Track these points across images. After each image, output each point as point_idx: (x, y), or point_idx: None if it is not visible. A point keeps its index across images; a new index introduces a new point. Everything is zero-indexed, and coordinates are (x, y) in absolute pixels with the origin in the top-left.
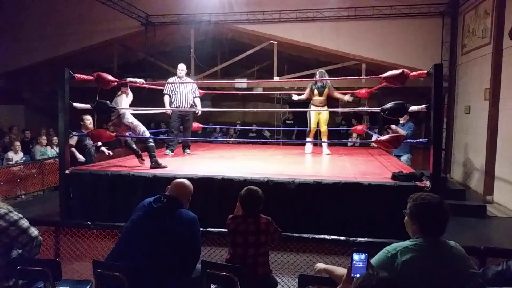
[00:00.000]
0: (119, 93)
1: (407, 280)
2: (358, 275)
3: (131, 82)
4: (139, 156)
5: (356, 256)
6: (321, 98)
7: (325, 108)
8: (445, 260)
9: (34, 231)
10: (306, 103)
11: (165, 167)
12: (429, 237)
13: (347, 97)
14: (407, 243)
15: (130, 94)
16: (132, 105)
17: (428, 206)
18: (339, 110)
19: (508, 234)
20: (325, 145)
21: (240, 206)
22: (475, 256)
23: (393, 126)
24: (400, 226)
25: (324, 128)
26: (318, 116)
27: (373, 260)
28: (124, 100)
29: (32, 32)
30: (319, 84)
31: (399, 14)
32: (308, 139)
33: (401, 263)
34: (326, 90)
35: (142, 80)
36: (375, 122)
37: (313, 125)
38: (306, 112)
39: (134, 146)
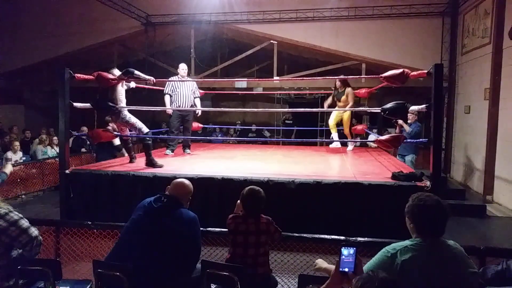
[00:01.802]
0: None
1: (407, 280)
2: (346, 269)
3: (136, 77)
4: (131, 160)
5: (345, 251)
6: (340, 104)
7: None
8: (444, 260)
9: (34, 231)
10: (306, 103)
11: (160, 166)
12: (428, 237)
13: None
14: (406, 243)
15: (125, 83)
16: (132, 104)
17: (424, 206)
18: (340, 110)
19: (508, 234)
20: (349, 144)
21: (242, 206)
22: (475, 255)
23: (400, 121)
24: (400, 226)
25: (345, 131)
26: (339, 116)
27: (372, 260)
28: (119, 90)
29: (32, 32)
30: (339, 91)
31: (399, 14)
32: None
33: (401, 263)
34: (344, 97)
35: (151, 78)
36: (375, 122)
37: (330, 121)
38: (306, 112)
39: (131, 149)
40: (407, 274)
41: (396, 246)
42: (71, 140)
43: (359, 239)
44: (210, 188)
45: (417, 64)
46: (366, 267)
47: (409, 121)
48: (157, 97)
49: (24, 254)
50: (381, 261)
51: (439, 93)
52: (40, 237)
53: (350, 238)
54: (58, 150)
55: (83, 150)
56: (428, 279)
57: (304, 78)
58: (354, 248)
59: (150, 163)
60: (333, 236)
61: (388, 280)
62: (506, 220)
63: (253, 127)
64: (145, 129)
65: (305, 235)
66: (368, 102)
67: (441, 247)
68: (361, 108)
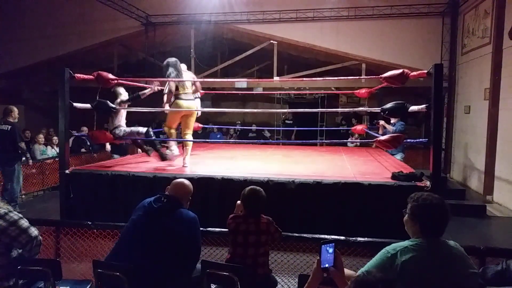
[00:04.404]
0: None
1: (407, 280)
2: (327, 265)
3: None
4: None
5: (325, 248)
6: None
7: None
8: (445, 260)
9: (34, 231)
10: (306, 103)
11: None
12: (430, 237)
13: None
14: (406, 243)
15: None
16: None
17: (429, 206)
18: (340, 110)
19: (508, 234)
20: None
21: (242, 206)
22: (475, 255)
23: (381, 122)
24: (400, 226)
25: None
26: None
27: (372, 261)
28: (122, 114)
29: (32, 32)
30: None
31: (399, 14)
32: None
33: (401, 263)
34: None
35: (151, 86)
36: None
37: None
38: (306, 112)
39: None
40: (407, 275)
41: (396, 246)
42: (71, 140)
43: (359, 239)
44: (210, 188)
45: (417, 64)
46: (366, 267)
47: (392, 121)
48: (158, 98)
49: (24, 254)
50: (381, 262)
51: (439, 93)
52: (40, 237)
53: (350, 238)
54: (58, 150)
55: (83, 150)
56: (428, 279)
57: (304, 78)
58: (333, 244)
59: (161, 156)
60: (333, 236)
61: (386, 280)
62: (506, 220)
63: (253, 127)
64: (142, 129)
65: (305, 235)
66: (368, 102)
67: (442, 247)
68: (361, 108)
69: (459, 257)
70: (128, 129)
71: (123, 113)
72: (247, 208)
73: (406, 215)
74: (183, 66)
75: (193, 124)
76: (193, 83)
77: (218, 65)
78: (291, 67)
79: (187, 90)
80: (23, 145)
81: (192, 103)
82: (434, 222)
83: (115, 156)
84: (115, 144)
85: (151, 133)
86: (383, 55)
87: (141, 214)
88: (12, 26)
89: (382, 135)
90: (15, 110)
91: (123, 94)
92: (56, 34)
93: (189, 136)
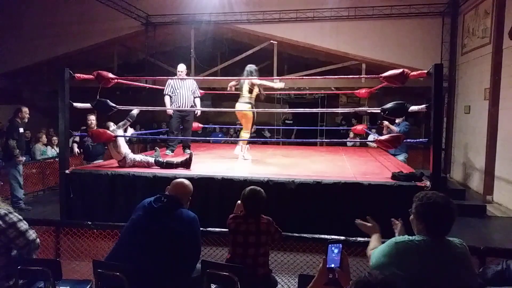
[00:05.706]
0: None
1: (408, 278)
2: (332, 265)
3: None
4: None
5: (331, 248)
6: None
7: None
8: (447, 260)
9: (31, 234)
10: (306, 103)
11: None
12: (435, 235)
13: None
14: (413, 238)
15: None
16: (132, 105)
17: (434, 205)
18: (340, 110)
19: (508, 234)
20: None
21: (242, 206)
22: (475, 255)
23: (385, 122)
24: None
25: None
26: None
27: (380, 248)
28: (122, 141)
29: (32, 32)
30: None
31: (399, 14)
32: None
33: (404, 256)
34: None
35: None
36: (375, 122)
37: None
38: (306, 112)
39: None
40: (409, 270)
41: (404, 238)
42: (71, 140)
43: (359, 239)
44: (210, 188)
45: (417, 64)
46: (374, 253)
47: (397, 121)
48: (157, 97)
49: (23, 255)
50: (387, 251)
51: (439, 93)
52: (38, 240)
53: (350, 238)
54: (58, 150)
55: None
56: (429, 278)
57: (304, 78)
58: (340, 245)
59: (186, 163)
60: (333, 236)
61: (387, 280)
62: (506, 220)
63: (253, 127)
64: (150, 159)
65: (305, 235)
66: (368, 102)
67: (446, 246)
68: (361, 108)
69: (462, 257)
70: (138, 158)
71: (122, 141)
72: (247, 208)
73: (412, 215)
74: (182, 67)
75: (246, 123)
76: (251, 87)
77: (218, 65)
78: (291, 67)
79: (242, 95)
80: (11, 142)
81: (239, 106)
82: (439, 221)
83: (84, 162)
84: (86, 149)
85: (160, 158)
86: (383, 55)
87: (141, 214)
88: (12, 26)
89: None
90: (24, 109)
91: (112, 127)
92: (56, 34)
93: (243, 135)
